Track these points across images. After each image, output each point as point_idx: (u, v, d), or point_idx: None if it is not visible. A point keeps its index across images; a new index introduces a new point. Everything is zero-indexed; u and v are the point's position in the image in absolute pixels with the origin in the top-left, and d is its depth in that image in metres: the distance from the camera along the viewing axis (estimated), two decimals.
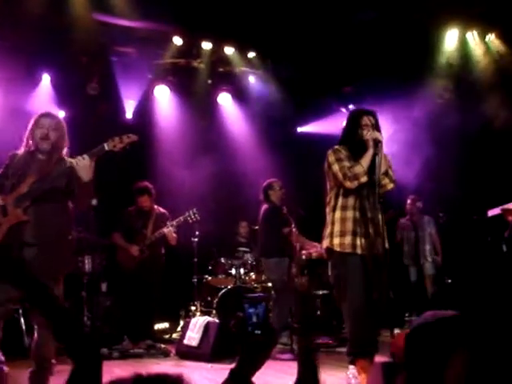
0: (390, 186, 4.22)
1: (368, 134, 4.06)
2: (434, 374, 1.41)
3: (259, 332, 1.34)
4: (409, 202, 7.93)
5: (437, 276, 7.75)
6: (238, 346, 1.50)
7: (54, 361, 3.91)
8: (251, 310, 1.32)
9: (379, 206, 4.07)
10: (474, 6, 7.27)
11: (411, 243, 7.88)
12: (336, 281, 4.21)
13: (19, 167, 3.83)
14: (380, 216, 4.06)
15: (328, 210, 4.25)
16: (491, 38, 8.07)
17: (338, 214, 4.13)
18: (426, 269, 7.78)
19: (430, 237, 7.87)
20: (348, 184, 4.05)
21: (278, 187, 6.60)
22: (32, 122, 3.89)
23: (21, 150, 3.92)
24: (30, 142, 3.87)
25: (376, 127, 4.15)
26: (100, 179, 7.24)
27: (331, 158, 4.16)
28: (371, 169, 4.03)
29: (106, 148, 3.77)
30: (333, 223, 4.14)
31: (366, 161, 4.03)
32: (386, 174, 4.18)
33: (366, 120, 4.15)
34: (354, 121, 4.22)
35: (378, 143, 4.02)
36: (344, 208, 4.11)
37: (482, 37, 8.11)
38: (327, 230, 4.19)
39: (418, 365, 1.43)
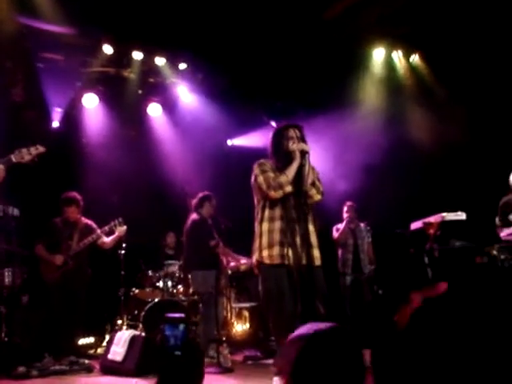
0: (318, 197, 4.23)
1: (294, 145, 4.11)
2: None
3: (179, 353, 1.32)
4: (346, 208, 7.72)
5: (371, 286, 7.75)
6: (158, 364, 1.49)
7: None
8: (170, 331, 1.30)
9: (309, 217, 4.11)
10: (399, 26, 7.57)
11: (349, 251, 7.71)
12: (265, 293, 4.19)
13: None
14: (310, 227, 4.10)
15: (256, 223, 4.26)
16: (415, 58, 8.42)
17: (265, 225, 4.13)
18: (363, 278, 7.65)
19: (367, 246, 7.78)
20: (272, 193, 4.07)
21: (214, 202, 6.56)
22: None
23: None
24: None
25: (302, 139, 4.19)
26: (24, 189, 7.04)
27: (257, 170, 4.20)
28: (298, 179, 4.06)
29: (14, 160, 3.66)
30: (260, 236, 4.15)
31: (290, 171, 4.07)
32: (313, 184, 4.21)
33: (291, 132, 4.20)
34: (279, 133, 4.25)
35: (305, 154, 4.08)
36: (271, 219, 4.11)
37: (407, 57, 8.46)
38: (256, 244, 4.20)
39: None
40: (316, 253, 4.11)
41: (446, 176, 7.93)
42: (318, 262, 4.13)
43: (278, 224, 4.08)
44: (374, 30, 7.71)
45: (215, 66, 8.13)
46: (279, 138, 4.24)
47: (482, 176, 7.55)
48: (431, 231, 6.32)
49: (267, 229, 4.11)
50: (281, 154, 4.18)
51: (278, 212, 4.11)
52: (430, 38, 7.70)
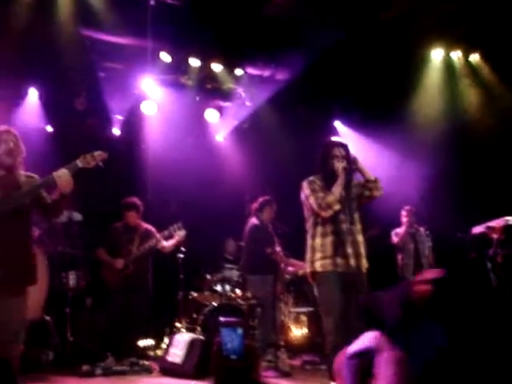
0: (378, 193, 4.46)
1: (338, 164, 4.33)
2: None
3: (235, 357, 1.34)
4: (404, 213, 7.54)
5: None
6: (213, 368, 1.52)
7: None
8: (227, 335, 1.32)
9: (357, 228, 4.37)
10: (459, 26, 7.40)
11: (410, 256, 7.53)
12: (319, 299, 4.43)
13: None
14: (359, 237, 4.36)
15: (308, 236, 4.47)
16: (475, 58, 8.21)
17: (318, 240, 4.36)
18: None
19: (428, 250, 7.55)
20: (323, 214, 4.30)
21: (275, 207, 6.57)
22: None
23: None
24: None
25: (347, 158, 4.41)
26: (86, 195, 7.27)
27: (307, 189, 4.41)
28: (346, 195, 4.31)
29: (80, 165, 3.79)
30: (313, 250, 4.37)
31: (337, 189, 4.28)
32: (375, 180, 4.45)
33: (336, 151, 4.41)
34: (325, 152, 4.47)
35: (348, 172, 4.35)
36: (323, 235, 4.34)
37: (466, 57, 8.25)
38: (308, 256, 4.42)
39: None
40: (364, 262, 4.37)
41: (511, 179, 7.67)
42: (364, 270, 4.38)
43: (329, 239, 4.31)
44: (432, 30, 7.55)
45: (272, 69, 8.17)
46: (325, 156, 4.47)
47: None
48: (494, 236, 6.14)
49: (320, 243, 4.34)
50: (327, 172, 4.41)
51: (329, 228, 4.33)
52: (490, 38, 7.47)
